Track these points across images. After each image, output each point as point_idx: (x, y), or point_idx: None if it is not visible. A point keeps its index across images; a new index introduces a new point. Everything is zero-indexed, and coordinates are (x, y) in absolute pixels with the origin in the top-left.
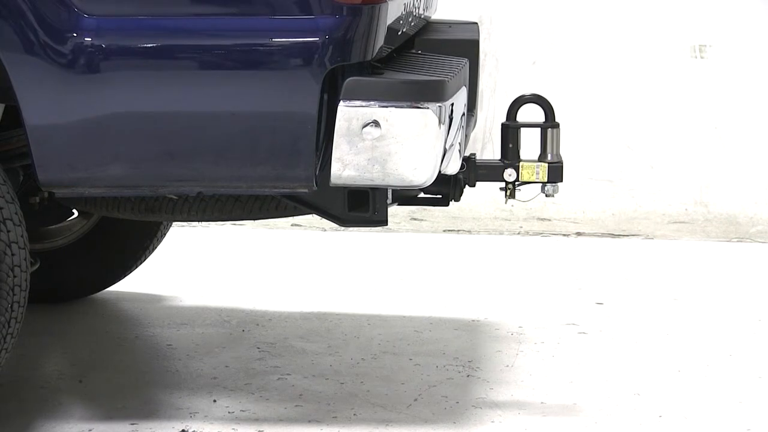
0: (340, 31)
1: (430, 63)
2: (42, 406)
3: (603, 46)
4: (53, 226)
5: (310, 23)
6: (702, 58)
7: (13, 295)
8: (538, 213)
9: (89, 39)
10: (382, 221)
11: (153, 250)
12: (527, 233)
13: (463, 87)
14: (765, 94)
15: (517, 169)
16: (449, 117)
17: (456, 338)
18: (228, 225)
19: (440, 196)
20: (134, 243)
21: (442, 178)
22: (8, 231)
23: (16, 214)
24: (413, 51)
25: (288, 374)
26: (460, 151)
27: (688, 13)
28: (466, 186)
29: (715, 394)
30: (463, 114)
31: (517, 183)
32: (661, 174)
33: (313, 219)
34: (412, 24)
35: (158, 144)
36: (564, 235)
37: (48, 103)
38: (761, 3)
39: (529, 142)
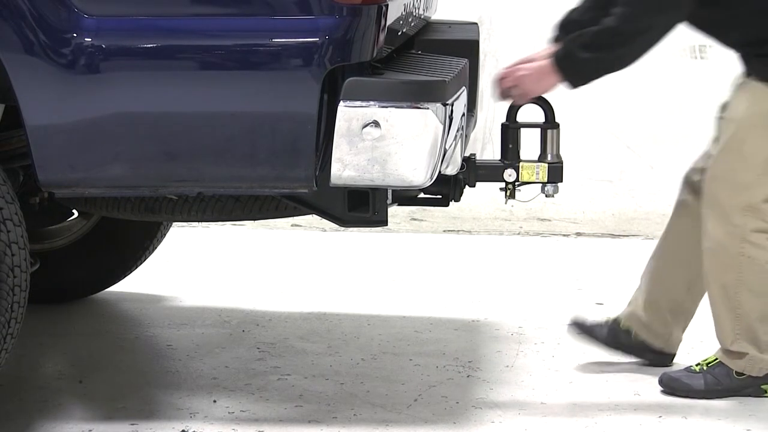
0: (340, 31)
1: (430, 63)
2: (42, 406)
3: None
4: (53, 227)
5: (310, 23)
6: (702, 58)
7: (13, 295)
8: (538, 213)
9: (89, 39)
10: (382, 221)
11: (153, 250)
12: (527, 233)
13: (463, 87)
14: None
15: (517, 170)
16: (449, 117)
17: (456, 338)
18: (228, 225)
19: (440, 197)
20: (134, 243)
21: (442, 179)
22: (8, 231)
23: (16, 214)
24: (413, 51)
25: (288, 374)
26: (460, 151)
27: None
28: (466, 186)
29: None
30: (463, 114)
31: (517, 183)
32: (661, 174)
33: (313, 219)
34: (412, 24)
35: (158, 144)
36: (564, 235)
37: (48, 104)
38: None
39: (529, 143)
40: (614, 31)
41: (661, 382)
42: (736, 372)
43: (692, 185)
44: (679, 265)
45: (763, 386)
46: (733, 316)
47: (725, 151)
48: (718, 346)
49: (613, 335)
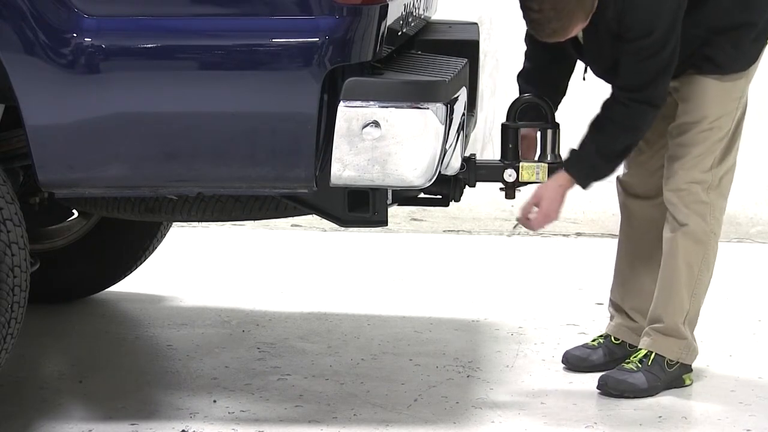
0: (340, 31)
1: (430, 63)
2: (42, 406)
3: None
4: (53, 227)
5: (310, 23)
6: None
7: (13, 295)
8: None
9: (89, 39)
10: (382, 222)
11: (153, 250)
12: (527, 233)
13: (463, 87)
14: (765, 94)
15: (516, 170)
16: (449, 117)
17: (456, 338)
18: (228, 225)
19: (440, 197)
20: (134, 243)
21: (442, 179)
22: (8, 231)
23: (16, 214)
24: (413, 51)
25: (288, 374)
26: (460, 151)
27: None
28: (466, 186)
29: (715, 394)
30: (463, 114)
31: (517, 183)
32: None
33: (313, 219)
34: (412, 24)
35: (158, 144)
36: (564, 235)
37: (48, 104)
38: None
39: None
40: (627, 145)
41: (605, 386)
42: (668, 362)
43: (625, 186)
44: (647, 264)
45: (684, 376)
46: (689, 296)
47: (692, 145)
48: (665, 341)
49: (609, 353)
